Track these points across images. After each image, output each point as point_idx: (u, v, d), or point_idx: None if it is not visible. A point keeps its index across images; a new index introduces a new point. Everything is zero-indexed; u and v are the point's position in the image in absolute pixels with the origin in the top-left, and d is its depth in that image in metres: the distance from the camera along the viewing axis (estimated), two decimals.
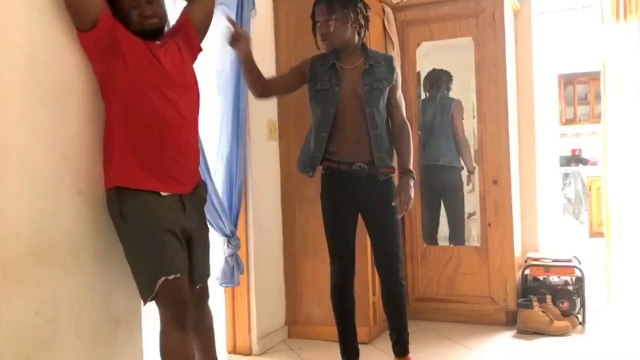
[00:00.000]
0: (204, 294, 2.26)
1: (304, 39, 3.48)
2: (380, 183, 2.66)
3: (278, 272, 3.52)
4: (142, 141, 2.02)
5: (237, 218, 3.01)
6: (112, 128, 2.03)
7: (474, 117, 3.79)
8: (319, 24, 2.63)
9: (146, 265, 2.01)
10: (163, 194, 2.05)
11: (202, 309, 2.26)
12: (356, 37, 2.65)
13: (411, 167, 2.68)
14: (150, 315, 2.50)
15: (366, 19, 2.68)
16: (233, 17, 2.95)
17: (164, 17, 2.17)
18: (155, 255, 1.99)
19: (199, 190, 2.24)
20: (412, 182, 2.65)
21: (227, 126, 2.96)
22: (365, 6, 2.68)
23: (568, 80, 7.88)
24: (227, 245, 2.94)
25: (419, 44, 3.87)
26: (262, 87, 2.76)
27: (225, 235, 2.91)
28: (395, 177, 2.73)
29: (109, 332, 2.12)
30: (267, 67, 3.48)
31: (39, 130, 1.88)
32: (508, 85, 3.69)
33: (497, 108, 3.67)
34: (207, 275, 2.28)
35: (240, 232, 3.19)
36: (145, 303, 2.04)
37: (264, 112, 3.42)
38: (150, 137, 2.03)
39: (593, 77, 7.50)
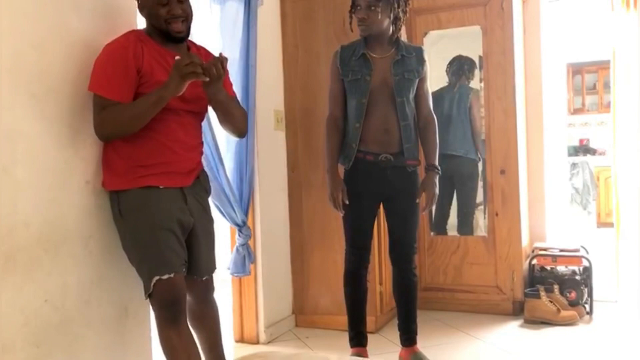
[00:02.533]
0: (209, 287, 2.25)
1: (310, 28, 3.48)
2: (405, 174, 2.66)
3: (285, 261, 3.53)
4: (137, 137, 2.00)
5: (248, 207, 3.01)
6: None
7: (481, 106, 3.77)
8: (359, 7, 2.59)
9: (142, 264, 2.01)
10: (161, 187, 2.03)
11: (207, 302, 2.25)
12: (391, 28, 2.63)
13: (437, 162, 2.68)
14: None
15: (405, 13, 2.66)
16: (241, 6, 2.95)
17: (190, 19, 2.11)
18: (151, 254, 1.98)
19: (201, 181, 2.21)
20: (437, 178, 2.67)
21: None
22: (407, 2, 2.66)
23: (576, 70, 7.83)
24: (239, 235, 2.95)
25: (426, 33, 3.85)
26: (342, 128, 2.68)
27: (237, 224, 2.92)
28: (420, 169, 2.73)
29: (117, 321, 2.14)
30: (273, 56, 3.48)
31: (48, 120, 1.88)
32: (516, 74, 3.67)
33: (505, 97, 3.65)
34: (213, 267, 2.26)
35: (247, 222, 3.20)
36: (146, 299, 2.03)
37: (271, 102, 3.41)
38: (145, 133, 2.00)
39: (602, 67, 7.44)
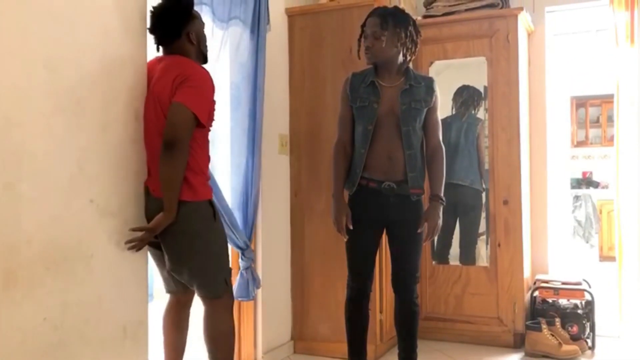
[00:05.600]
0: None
1: (317, 54, 3.52)
2: (409, 203, 2.65)
3: (285, 286, 3.51)
4: (206, 158, 2.32)
5: (252, 230, 2.99)
6: (196, 149, 2.23)
7: (485, 137, 3.78)
8: (366, 36, 2.64)
9: (224, 263, 2.34)
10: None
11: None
12: (400, 58, 2.65)
13: (442, 193, 2.67)
14: (156, 325, 2.50)
15: (415, 44, 2.67)
16: (247, 32, 2.97)
17: None
18: (227, 257, 2.37)
19: None
20: (440, 209, 2.65)
21: (242, 138, 2.96)
22: (417, 32, 2.68)
23: (580, 103, 7.88)
24: (241, 258, 2.93)
25: (431, 63, 3.88)
26: (349, 153, 2.72)
27: (239, 247, 2.90)
28: (424, 198, 2.72)
29: (115, 341, 2.12)
30: (280, 81, 3.51)
31: (54, 138, 1.89)
32: (520, 106, 3.69)
33: (509, 128, 3.67)
34: None
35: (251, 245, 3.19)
36: (225, 294, 2.32)
37: (276, 126, 3.43)
38: (202, 150, 2.29)
39: (605, 100, 7.49)
